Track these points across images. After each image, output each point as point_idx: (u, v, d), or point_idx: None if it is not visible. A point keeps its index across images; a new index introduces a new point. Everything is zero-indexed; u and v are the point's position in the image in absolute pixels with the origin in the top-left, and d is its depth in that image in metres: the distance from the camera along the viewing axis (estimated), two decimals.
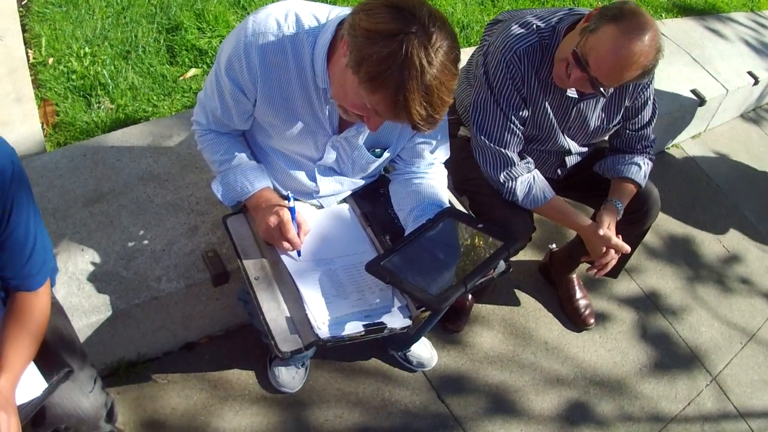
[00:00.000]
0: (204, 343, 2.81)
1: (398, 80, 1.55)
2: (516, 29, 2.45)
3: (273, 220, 2.02)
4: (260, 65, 1.87)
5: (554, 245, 3.63)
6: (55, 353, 1.79)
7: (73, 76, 3.37)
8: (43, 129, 3.11)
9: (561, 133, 2.68)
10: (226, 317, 2.81)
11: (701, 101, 4.60)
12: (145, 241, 2.53)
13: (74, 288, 2.36)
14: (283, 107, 1.98)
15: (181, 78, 3.50)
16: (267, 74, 1.90)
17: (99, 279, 2.41)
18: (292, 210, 2.02)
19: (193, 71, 3.55)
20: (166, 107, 3.33)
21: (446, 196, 2.32)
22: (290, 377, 2.76)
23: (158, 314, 2.50)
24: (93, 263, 2.44)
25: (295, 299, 1.98)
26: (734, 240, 4.39)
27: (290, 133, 2.05)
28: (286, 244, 2.02)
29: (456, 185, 2.67)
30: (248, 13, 3.87)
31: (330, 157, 2.13)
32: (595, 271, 2.70)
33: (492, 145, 2.54)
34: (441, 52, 1.57)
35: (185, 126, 2.92)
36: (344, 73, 1.67)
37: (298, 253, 2.07)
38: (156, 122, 2.95)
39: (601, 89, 2.32)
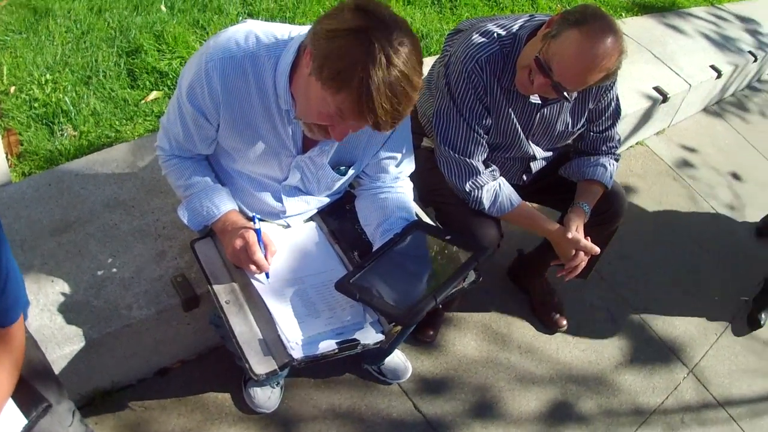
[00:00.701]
0: (177, 367, 2.79)
1: (362, 74, 1.55)
2: (477, 38, 2.45)
3: (239, 243, 2.01)
4: (222, 89, 1.87)
5: (522, 249, 3.64)
6: (33, 388, 1.77)
7: (36, 104, 3.34)
8: (8, 159, 3.08)
9: (525, 140, 2.69)
10: (199, 341, 2.79)
11: (664, 98, 4.63)
12: (114, 269, 2.51)
13: (46, 320, 2.34)
14: (246, 130, 1.97)
15: (143, 101, 3.48)
16: (229, 98, 1.89)
17: (70, 309, 2.38)
18: (257, 232, 2.02)
19: (154, 94, 3.53)
20: (128, 132, 3.31)
21: (413, 209, 2.32)
22: (266, 397, 2.74)
23: (131, 341, 2.48)
24: (63, 293, 2.41)
25: (266, 321, 1.97)
26: (704, 233, 4.43)
27: (254, 155, 2.05)
28: (253, 267, 2.01)
29: (421, 196, 2.67)
30: (208, 33, 3.89)
31: (295, 177, 2.13)
32: (566, 274, 2.71)
33: (456, 155, 2.54)
34: (405, 48, 1.59)
35: (148, 150, 2.91)
36: (308, 83, 1.68)
37: (267, 275, 2.06)
38: (119, 147, 2.92)
39: (565, 94, 2.33)
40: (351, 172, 2.19)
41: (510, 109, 2.56)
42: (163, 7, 4.06)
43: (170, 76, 3.63)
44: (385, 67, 1.55)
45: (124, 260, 2.53)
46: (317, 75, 1.61)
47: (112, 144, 3.19)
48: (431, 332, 3.21)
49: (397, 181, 2.33)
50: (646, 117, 4.70)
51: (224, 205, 2.13)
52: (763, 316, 3.89)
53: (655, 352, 3.60)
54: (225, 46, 1.85)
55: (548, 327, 3.50)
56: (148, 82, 3.59)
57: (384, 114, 1.61)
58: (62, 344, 2.30)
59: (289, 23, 2.16)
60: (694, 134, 5.33)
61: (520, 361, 3.31)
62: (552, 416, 3.14)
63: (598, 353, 3.48)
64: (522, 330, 3.46)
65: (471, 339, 3.32)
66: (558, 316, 3.48)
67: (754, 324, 3.89)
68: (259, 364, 1.87)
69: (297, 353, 1.88)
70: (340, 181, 2.22)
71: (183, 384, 2.76)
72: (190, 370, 2.81)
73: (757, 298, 4.02)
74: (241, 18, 4.14)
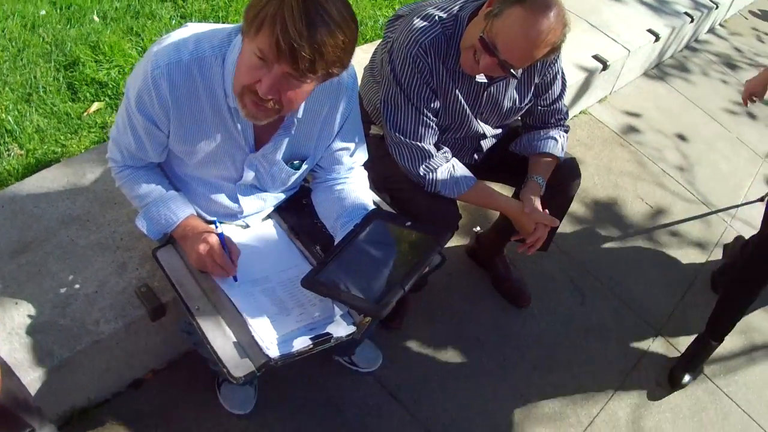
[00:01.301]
0: (150, 378, 2.76)
1: (277, 7, 1.57)
2: (418, 23, 2.45)
3: (202, 248, 2.01)
4: (170, 96, 1.86)
5: (479, 228, 3.67)
6: (13, 415, 1.75)
7: None
8: None
9: (474, 119, 2.70)
10: (168, 349, 2.77)
11: (604, 65, 4.69)
12: (77, 285, 2.48)
13: (16, 344, 2.30)
14: (197, 134, 1.97)
15: (85, 114, 3.44)
16: (178, 104, 1.88)
17: (38, 330, 2.35)
18: (220, 236, 2.01)
19: (96, 105, 3.49)
20: (74, 145, 3.26)
21: (370, 198, 2.33)
22: (241, 399, 2.73)
23: (102, 357, 2.46)
24: (29, 315, 2.38)
25: (239, 323, 1.97)
26: (656, 196, 4.51)
27: (207, 157, 2.04)
28: (219, 271, 2.01)
29: (376, 185, 2.67)
30: (143, 40, 3.86)
31: (249, 175, 2.12)
32: (527, 248, 2.74)
33: (407, 140, 2.54)
34: None
35: (97, 162, 2.87)
36: (241, 52, 1.73)
37: (235, 278, 2.06)
38: (67, 162, 2.89)
39: (512, 71, 2.34)
40: (305, 166, 2.20)
41: (457, 90, 2.57)
42: (95, 18, 4.01)
43: (110, 85, 3.59)
44: None
45: (86, 276, 2.50)
46: (246, 33, 1.65)
47: (60, 159, 3.15)
48: (399, 319, 3.22)
49: (352, 171, 2.34)
50: (587, 85, 4.75)
51: (182, 210, 2.12)
52: (687, 377, 3.44)
53: (621, 318, 3.66)
54: (169, 51, 1.84)
55: (512, 302, 3.52)
56: (88, 94, 3.55)
57: (298, 38, 1.57)
58: (35, 366, 2.26)
59: (222, 22, 2.15)
60: (637, 99, 5.40)
61: (488, 339, 3.34)
62: (528, 391, 3.17)
63: (565, 324, 3.53)
64: (487, 308, 3.48)
65: (438, 321, 3.34)
66: (521, 290, 3.52)
67: (675, 384, 3.43)
68: (237, 368, 1.86)
69: (273, 353, 1.88)
70: (295, 176, 2.22)
71: (157, 393, 2.73)
72: (163, 379, 2.79)
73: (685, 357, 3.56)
74: (174, 21, 4.11)
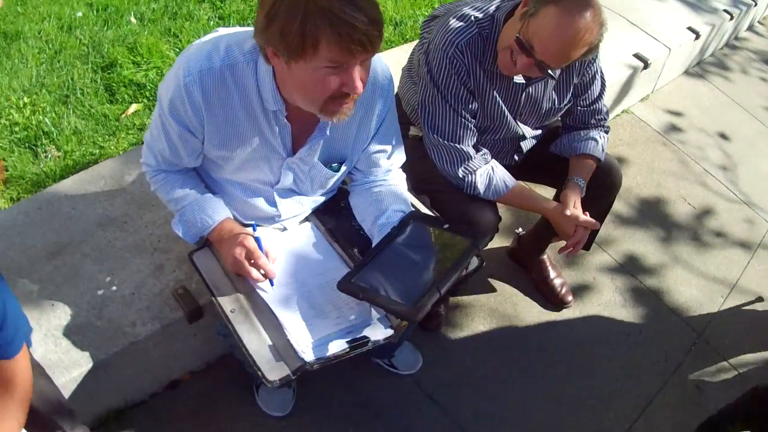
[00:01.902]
0: (187, 379, 2.77)
1: (318, 14, 1.55)
2: (454, 23, 2.43)
3: (238, 251, 1.99)
4: (203, 101, 1.85)
5: (520, 229, 3.63)
6: (45, 417, 1.76)
7: (16, 129, 3.32)
8: None
9: (513, 120, 2.67)
10: (206, 351, 2.77)
11: (645, 64, 4.62)
12: (114, 287, 2.49)
13: (51, 345, 2.31)
14: (232, 139, 1.95)
15: (123, 115, 3.46)
16: (211, 109, 1.87)
17: (74, 332, 2.36)
18: (257, 239, 2.00)
19: (134, 107, 3.51)
20: (112, 147, 3.28)
21: (408, 200, 2.31)
22: (279, 401, 2.73)
23: (138, 359, 2.46)
24: (65, 317, 2.39)
25: (274, 326, 1.95)
26: (699, 196, 4.43)
27: (244, 162, 2.03)
28: (256, 274, 2.00)
29: (414, 186, 2.65)
30: (180, 41, 3.87)
31: (287, 179, 2.11)
32: (568, 251, 2.70)
33: (446, 141, 2.52)
34: None
35: (135, 164, 2.88)
36: (291, 72, 1.69)
37: (271, 282, 2.04)
38: (105, 164, 2.90)
39: (549, 71, 2.31)
40: (343, 168, 2.18)
41: (495, 92, 2.54)
42: (133, 19, 4.04)
43: (148, 87, 3.61)
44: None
45: (123, 277, 2.51)
46: (293, 58, 1.62)
47: (97, 161, 3.17)
48: (437, 321, 3.19)
49: (390, 173, 2.32)
50: (628, 85, 4.69)
51: (218, 214, 2.11)
52: None
53: (663, 320, 3.59)
54: (201, 58, 1.83)
55: (554, 304, 3.48)
56: (126, 96, 3.57)
57: (362, 24, 1.58)
58: (70, 368, 2.27)
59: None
60: (678, 98, 5.32)
61: (528, 341, 3.30)
62: (566, 394, 3.13)
63: (607, 326, 3.48)
64: (528, 309, 3.45)
65: (478, 323, 3.31)
66: (563, 292, 3.47)
67: None
68: (272, 371, 1.85)
69: (308, 356, 1.86)
70: (333, 179, 2.20)
71: (195, 395, 2.74)
72: (201, 380, 2.79)
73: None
74: (212, 22, 4.11)
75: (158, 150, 2.05)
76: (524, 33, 2.24)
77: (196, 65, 1.82)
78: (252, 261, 2.00)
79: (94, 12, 4.06)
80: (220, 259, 2.13)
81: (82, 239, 2.60)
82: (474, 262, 2.12)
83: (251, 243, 2.00)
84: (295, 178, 2.13)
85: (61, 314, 2.39)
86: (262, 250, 2.00)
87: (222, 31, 1.93)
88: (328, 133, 2.01)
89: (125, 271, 2.53)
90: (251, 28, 1.89)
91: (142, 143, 2.15)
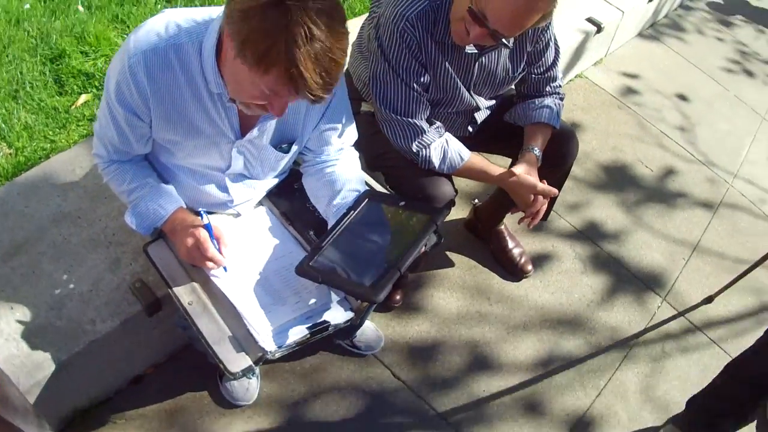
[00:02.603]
0: (151, 373, 2.74)
1: (287, 53, 1.50)
2: None
3: (190, 241, 1.97)
4: (149, 84, 1.81)
5: (477, 200, 3.62)
6: (11, 425, 1.73)
7: None
8: None
9: (467, 91, 2.64)
10: (168, 343, 2.75)
11: (598, 27, 4.61)
12: (71, 285, 2.45)
13: (13, 349, 2.27)
14: (180, 122, 1.92)
15: (73, 107, 3.39)
16: (157, 92, 1.83)
17: (35, 334, 2.32)
18: (207, 227, 1.97)
19: (83, 98, 3.44)
20: (63, 140, 3.22)
21: (362, 179, 2.28)
22: (244, 390, 2.71)
23: (100, 356, 2.43)
24: (25, 319, 2.35)
25: (233, 316, 1.93)
26: (657, 158, 4.46)
27: (193, 146, 2.00)
28: (209, 264, 1.97)
29: (368, 163, 2.62)
30: (129, 27, 3.81)
31: (238, 163, 2.08)
32: (528, 221, 2.69)
33: (398, 116, 2.49)
34: (323, 16, 1.52)
35: (86, 157, 2.83)
36: (234, 65, 1.62)
37: (225, 269, 2.01)
38: (56, 159, 2.84)
39: (504, 41, 2.29)
40: (294, 148, 2.15)
41: (447, 63, 2.51)
42: (80, 7, 3.96)
43: (97, 76, 3.54)
44: (308, 41, 1.49)
45: (80, 274, 2.47)
46: (242, 58, 1.56)
47: (49, 156, 3.10)
48: (398, 297, 3.19)
49: (342, 151, 2.29)
50: (581, 49, 4.68)
51: (170, 204, 2.08)
52: None
53: (625, 285, 3.62)
54: (145, 39, 1.79)
55: (514, 274, 3.49)
56: (75, 87, 3.50)
57: (317, 87, 1.56)
58: (33, 372, 2.24)
59: (208, 6, 2.10)
60: (633, 60, 5.33)
61: (490, 313, 3.31)
62: (533, 363, 3.15)
63: (569, 294, 3.49)
64: (488, 281, 3.45)
65: (438, 298, 3.31)
66: (522, 261, 3.48)
67: None
68: (233, 362, 1.84)
69: (269, 345, 1.85)
70: (284, 160, 2.18)
71: (159, 388, 2.72)
72: (164, 373, 2.77)
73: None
74: (159, 6, 4.05)
75: (108, 139, 2.01)
76: (476, 3, 2.19)
77: (140, 46, 1.78)
78: (201, 252, 1.97)
79: (42, 3, 3.97)
80: (175, 250, 2.10)
81: (38, 237, 2.56)
82: (433, 238, 2.10)
83: (202, 234, 1.97)
84: (246, 161, 2.10)
85: (20, 317, 2.35)
86: (212, 238, 1.97)
87: (169, 11, 1.88)
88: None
89: (82, 268, 2.49)
90: (200, 8, 1.85)
91: (93, 135, 2.11)
